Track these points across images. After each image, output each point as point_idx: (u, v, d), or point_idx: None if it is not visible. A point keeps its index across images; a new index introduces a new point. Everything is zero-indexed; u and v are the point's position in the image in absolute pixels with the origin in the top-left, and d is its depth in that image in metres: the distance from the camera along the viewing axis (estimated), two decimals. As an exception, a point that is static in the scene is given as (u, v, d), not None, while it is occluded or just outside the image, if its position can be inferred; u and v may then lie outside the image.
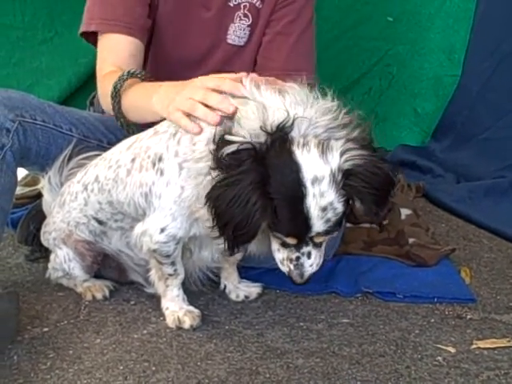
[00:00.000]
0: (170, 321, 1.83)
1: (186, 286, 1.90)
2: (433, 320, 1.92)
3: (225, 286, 2.03)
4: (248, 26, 2.20)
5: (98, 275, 2.04)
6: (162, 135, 1.72)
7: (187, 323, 1.81)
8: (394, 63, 3.52)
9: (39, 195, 2.21)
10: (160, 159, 1.69)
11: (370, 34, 3.49)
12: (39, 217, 2.15)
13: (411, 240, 2.40)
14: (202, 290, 1.98)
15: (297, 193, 1.45)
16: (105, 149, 2.10)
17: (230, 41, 2.22)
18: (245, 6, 2.19)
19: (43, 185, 2.11)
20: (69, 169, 2.06)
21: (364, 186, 1.48)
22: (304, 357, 1.71)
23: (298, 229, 1.51)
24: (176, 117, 1.65)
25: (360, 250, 2.34)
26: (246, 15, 2.19)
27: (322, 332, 1.84)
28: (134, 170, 1.76)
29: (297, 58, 2.25)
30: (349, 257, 2.28)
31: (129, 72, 1.92)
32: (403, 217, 2.65)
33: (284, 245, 1.57)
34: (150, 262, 1.82)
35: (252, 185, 1.44)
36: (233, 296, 2.01)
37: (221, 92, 1.62)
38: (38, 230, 2.10)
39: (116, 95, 1.92)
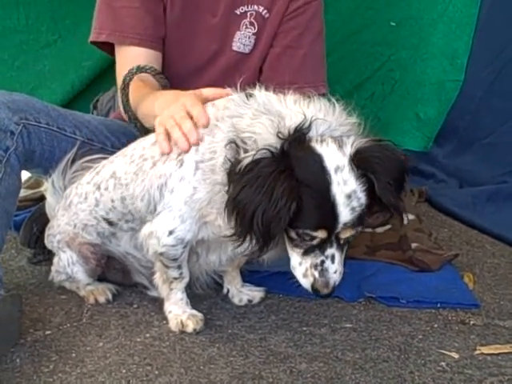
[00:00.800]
0: (173, 324, 1.83)
1: (189, 290, 1.90)
2: (436, 325, 1.92)
3: (228, 290, 2.03)
4: (253, 34, 2.21)
5: (101, 278, 2.04)
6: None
7: (190, 327, 1.81)
8: (396, 68, 3.51)
9: (42, 198, 2.21)
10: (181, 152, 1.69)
11: (372, 39, 3.48)
12: (42, 219, 2.15)
13: (414, 245, 2.40)
14: (205, 293, 1.98)
15: (322, 180, 1.45)
16: (108, 151, 2.11)
17: (235, 48, 2.23)
18: (251, 15, 2.20)
19: (46, 187, 2.11)
20: (72, 171, 2.06)
21: (380, 166, 1.49)
22: (307, 361, 1.71)
23: (326, 218, 1.48)
24: (158, 131, 1.73)
25: (363, 254, 2.35)
26: (251, 23, 2.20)
27: (325, 337, 1.84)
28: (160, 161, 1.74)
29: (306, 72, 2.27)
30: (352, 261, 2.23)
31: (138, 66, 1.97)
32: (406, 222, 2.62)
33: (306, 252, 1.54)
34: (155, 265, 1.82)
35: (275, 172, 1.43)
36: (236, 300, 2.01)
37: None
38: (41, 232, 2.11)
39: (124, 88, 1.96)
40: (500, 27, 3.32)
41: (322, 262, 1.54)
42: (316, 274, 1.54)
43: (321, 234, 1.51)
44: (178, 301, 1.83)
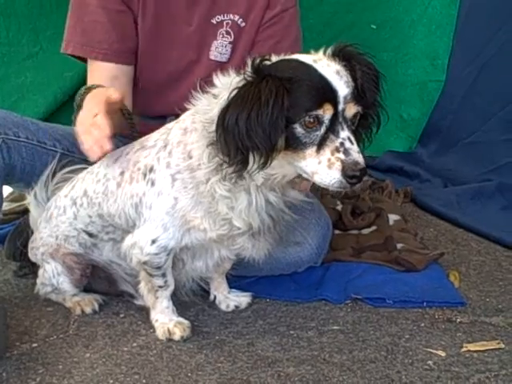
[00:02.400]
0: (159, 333, 1.82)
1: (175, 297, 1.90)
2: (423, 324, 1.93)
3: (214, 297, 2.03)
4: (230, 42, 2.21)
5: (87, 288, 2.03)
6: (150, 149, 1.74)
7: (177, 335, 1.81)
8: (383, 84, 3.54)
9: (27, 210, 2.19)
10: (151, 170, 1.70)
11: (353, 42, 3.49)
12: (26, 232, 2.13)
13: (400, 245, 2.41)
14: (192, 300, 1.98)
15: (306, 68, 1.45)
16: (89, 163, 2.11)
17: (212, 57, 2.22)
18: (227, 24, 2.20)
19: (29, 201, 2.10)
20: (54, 183, 2.05)
21: (358, 57, 1.53)
22: (295, 365, 1.71)
23: (326, 92, 1.43)
24: (79, 140, 1.78)
25: (349, 256, 2.35)
26: (228, 32, 2.20)
27: (313, 339, 1.84)
28: (124, 182, 1.76)
29: None
30: (338, 263, 2.28)
31: (86, 87, 1.98)
32: (391, 222, 2.66)
33: (321, 145, 1.43)
34: (139, 274, 1.81)
35: (255, 83, 1.41)
36: (223, 306, 2.01)
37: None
38: (26, 245, 2.09)
39: (76, 108, 1.95)
40: (479, 27, 3.36)
41: (342, 144, 1.42)
42: (341, 155, 1.41)
43: (327, 111, 1.43)
44: (164, 309, 1.83)
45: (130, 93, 2.22)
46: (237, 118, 1.40)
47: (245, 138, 1.40)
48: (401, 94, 3.53)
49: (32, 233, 2.07)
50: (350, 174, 1.40)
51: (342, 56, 1.52)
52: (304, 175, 1.51)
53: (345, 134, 1.44)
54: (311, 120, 1.43)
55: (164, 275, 1.77)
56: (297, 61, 1.51)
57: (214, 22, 2.19)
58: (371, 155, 3.47)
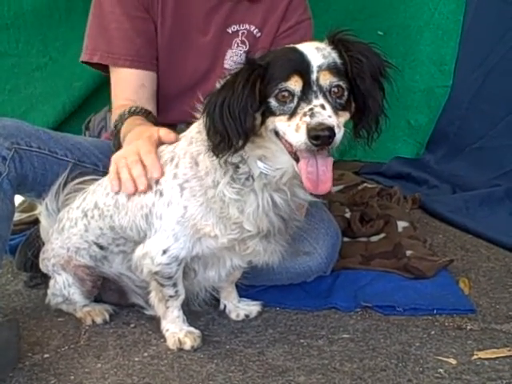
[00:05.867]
0: (170, 342, 1.83)
1: (185, 307, 1.91)
2: (433, 332, 1.93)
3: (225, 306, 2.04)
4: (244, 52, 2.22)
5: (97, 299, 2.05)
6: None
7: (188, 344, 1.82)
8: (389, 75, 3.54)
9: (37, 221, 2.20)
10: (157, 182, 1.72)
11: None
12: (37, 243, 2.14)
13: (409, 252, 2.41)
14: (202, 310, 1.99)
15: (289, 50, 1.53)
16: (100, 173, 2.12)
17: (226, 65, 2.24)
18: (243, 34, 2.22)
19: (40, 211, 2.11)
20: (65, 194, 2.06)
21: (349, 40, 1.55)
22: (305, 374, 1.71)
23: (296, 64, 1.48)
24: (111, 168, 1.81)
25: (358, 264, 2.35)
26: (243, 42, 2.22)
27: (323, 348, 1.84)
28: (134, 195, 1.77)
29: None
30: (347, 271, 2.28)
31: (130, 110, 1.99)
32: (400, 229, 2.66)
33: (293, 114, 1.47)
34: (150, 284, 1.83)
35: (234, 74, 1.51)
36: (233, 315, 2.01)
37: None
38: (37, 256, 2.11)
39: (116, 134, 1.99)
40: (485, 32, 3.37)
41: (311, 109, 1.45)
42: (307, 119, 1.44)
43: (296, 82, 1.47)
44: (174, 319, 1.84)
45: (155, 100, 2.24)
46: (215, 104, 1.50)
47: (218, 122, 1.49)
48: (408, 100, 3.54)
49: (43, 244, 2.09)
50: (313, 134, 1.42)
51: (334, 43, 1.56)
52: (280, 133, 1.52)
53: (318, 101, 1.46)
54: (284, 94, 1.48)
55: (175, 285, 1.78)
56: (286, 47, 1.57)
57: (229, 31, 2.21)
58: (379, 161, 3.50)
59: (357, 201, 2.96)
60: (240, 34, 2.22)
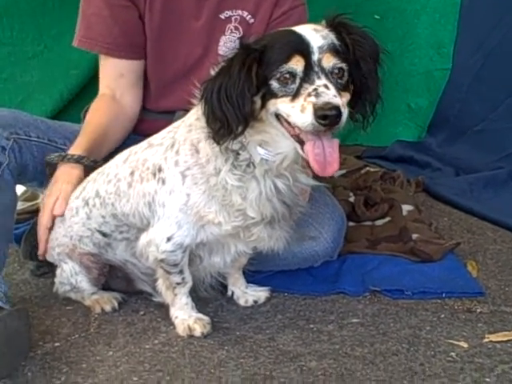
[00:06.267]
0: (180, 329, 1.82)
1: (194, 294, 1.89)
2: (443, 315, 1.92)
3: (232, 292, 2.02)
4: (238, 38, 2.17)
5: (105, 287, 2.03)
6: (157, 147, 1.74)
7: (198, 331, 1.81)
8: (384, 60, 3.51)
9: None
10: (160, 170, 1.70)
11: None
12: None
13: (415, 236, 2.40)
14: (211, 296, 1.97)
15: (285, 32, 1.53)
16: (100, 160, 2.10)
17: (221, 52, 2.19)
18: (236, 19, 2.18)
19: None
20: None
21: (350, 23, 1.55)
22: (317, 359, 1.70)
23: (296, 45, 1.47)
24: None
25: (364, 248, 2.34)
26: (236, 28, 2.18)
27: (333, 333, 1.84)
28: (134, 181, 1.76)
29: None
30: (354, 256, 2.27)
31: (64, 157, 2.00)
32: (405, 213, 2.64)
33: (296, 95, 1.46)
34: (157, 272, 1.81)
35: (230, 59, 1.50)
36: (241, 301, 2.00)
37: None
38: (42, 244, 2.08)
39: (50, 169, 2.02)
40: (483, 14, 3.33)
41: (315, 90, 1.44)
42: (312, 99, 1.42)
43: (298, 62, 1.46)
44: (183, 305, 1.83)
45: (139, 89, 2.21)
46: (212, 90, 1.49)
47: (217, 108, 1.47)
48: (407, 83, 3.51)
49: (48, 232, 2.06)
50: (321, 113, 1.40)
51: (334, 25, 1.55)
52: (283, 114, 1.51)
53: (321, 81, 1.45)
54: (286, 75, 1.47)
55: (181, 272, 1.77)
56: (282, 30, 1.56)
57: (222, 17, 2.17)
58: (380, 145, 3.48)
59: (360, 185, 2.95)
60: (233, 19, 2.18)
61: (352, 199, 2.74)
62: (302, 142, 1.52)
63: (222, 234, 1.71)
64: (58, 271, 1.99)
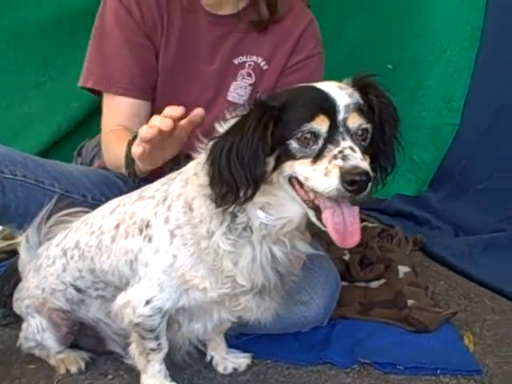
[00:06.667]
0: (150, 400, 1.68)
1: (168, 358, 1.74)
2: (437, 396, 1.79)
3: (212, 358, 1.89)
4: (250, 84, 2.12)
5: (73, 345, 1.89)
6: (148, 200, 1.62)
7: (169, 403, 1.67)
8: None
9: (16, 251, 2.07)
10: (147, 225, 1.58)
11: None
12: (14, 278, 2.00)
13: (410, 302, 2.29)
14: (186, 363, 1.83)
15: (305, 88, 1.41)
16: (88, 204, 2.01)
17: (230, 98, 2.13)
18: (249, 65, 2.12)
19: (20, 243, 1.97)
20: (48, 226, 1.92)
21: (377, 85, 1.45)
22: None
23: (321, 103, 1.35)
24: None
25: (357, 313, 2.22)
26: (249, 74, 2.12)
27: (317, 411, 1.70)
28: (118, 236, 1.63)
29: None
30: (345, 321, 2.15)
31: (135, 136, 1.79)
32: (401, 275, 2.53)
33: (318, 156, 1.33)
34: (131, 335, 1.68)
35: (244, 115, 1.38)
36: (220, 368, 1.87)
37: None
38: (13, 292, 1.96)
39: (130, 164, 1.80)
40: (497, 72, 3.29)
41: (341, 152, 1.31)
42: (339, 162, 1.30)
43: (322, 122, 1.34)
44: (155, 373, 1.69)
45: None
46: (221, 150, 1.36)
47: (225, 169, 1.35)
48: (414, 135, 3.44)
49: (21, 279, 1.94)
50: (349, 178, 1.28)
51: (360, 85, 1.44)
52: (300, 178, 1.38)
53: (346, 143, 1.34)
54: (307, 135, 1.35)
55: (157, 338, 1.64)
56: (303, 86, 1.45)
57: (236, 62, 2.12)
58: (379, 198, 3.36)
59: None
60: (247, 65, 2.12)
61: (347, 257, 2.63)
62: (316, 209, 1.39)
63: (207, 301, 1.58)
64: (24, 325, 1.85)
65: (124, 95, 2.05)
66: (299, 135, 1.35)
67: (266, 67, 2.12)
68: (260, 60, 2.12)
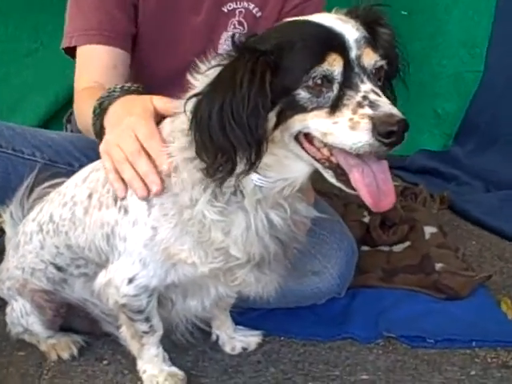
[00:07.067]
0: (148, 387, 1.52)
1: (167, 339, 1.57)
2: (473, 372, 1.62)
3: (217, 337, 1.71)
4: (242, 34, 1.90)
5: (67, 327, 1.72)
6: None
7: (169, 389, 1.50)
8: (409, 61, 3.25)
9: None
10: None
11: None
12: (2, 257, 1.84)
13: (438, 266, 2.12)
14: (188, 344, 1.64)
15: (297, 24, 1.20)
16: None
17: (221, 51, 1.91)
18: (240, 13, 1.92)
19: (5, 219, 1.81)
20: (32, 200, 1.76)
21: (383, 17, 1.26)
22: (315, 430, 1.39)
23: (329, 40, 1.13)
24: (105, 165, 1.40)
25: (379, 280, 2.05)
26: (240, 23, 1.94)
27: (337, 393, 1.52)
28: (92, 207, 1.44)
29: None
30: (366, 290, 1.98)
31: (122, 87, 1.56)
32: (427, 236, 2.36)
33: (335, 105, 1.12)
34: (119, 318, 1.50)
35: (229, 64, 1.15)
36: (227, 348, 1.70)
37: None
38: (1, 272, 1.80)
39: (100, 112, 1.54)
40: (521, 11, 3.11)
41: (365, 97, 1.11)
42: (367, 110, 1.09)
43: (335, 62, 1.12)
44: (152, 358, 1.52)
45: None
46: (210, 110, 1.13)
47: (218, 133, 1.12)
48: (434, 86, 3.30)
49: (7, 258, 1.78)
50: (385, 130, 1.07)
51: (365, 18, 1.23)
52: (315, 134, 1.15)
53: (366, 86, 1.13)
54: (317, 81, 1.13)
55: (148, 319, 1.45)
56: (285, 23, 1.22)
57: (225, 10, 1.92)
58: (401, 154, 3.18)
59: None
60: (237, 13, 1.92)
61: (367, 219, 2.44)
62: (335, 168, 1.18)
63: (198, 276, 1.38)
64: (8, 309, 1.69)
65: (104, 43, 1.82)
66: (310, 82, 1.12)
67: (259, 14, 1.92)
68: (252, 6, 1.92)
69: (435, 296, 1.95)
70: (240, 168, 1.14)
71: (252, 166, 1.14)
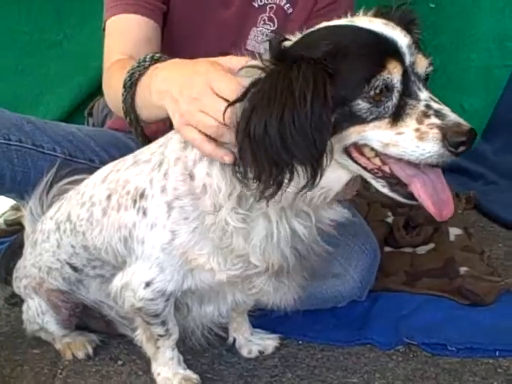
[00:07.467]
0: (161, 391, 1.50)
1: (180, 342, 1.54)
2: (495, 383, 1.54)
3: (234, 340, 1.69)
4: (272, 31, 1.87)
5: (83, 326, 1.71)
6: (143, 166, 1.37)
7: (184, 393, 1.47)
8: (437, 54, 3.16)
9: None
10: (142, 196, 1.34)
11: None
12: (21, 253, 1.83)
13: (463, 270, 2.06)
14: (202, 348, 1.61)
15: (343, 30, 1.14)
16: (96, 170, 1.80)
17: (249, 47, 1.88)
18: (271, 9, 1.88)
19: (25, 215, 1.80)
20: (51, 196, 1.75)
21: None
22: None
23: (384, 47, 1.09)
24: (191, 137, 1.24)
25: (401, 284, 2.00)
26: (270, 19, 1.89)
27: (355, 402, 1.48)
28: (110, 208, 1.41)
29: None
30: (388, 294, 1.93)
31: (152, 57, 1.46)
32: (452, 238, 2.31)
33: (397, 114, 1.08)
34: (135, 320, 1.48)
35: (282, 74, 1.07)
36: (244, 352, 1.67)
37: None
38: (17, 269, 1.79)
39: (131, 85, 1.46)
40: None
41: (429, 106, 1.08)
42: (435, 120, 1.06)
43: (395, 69, 1.08)
44: (167, 361, 1.50)
45: None
46: (265, 124, 1.06)
47: (280, 150, 1.06)
48: (462, 81, 3.19)
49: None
50: (457, 140, 1.04)
51: (405, 21, 1.19)
52: (374, 145, 1.11)
53: (424, 94, 1.10)
54: (378, 90, 1.08)
55: (164, 323, 1.43)
56: (328, 28, 1.16)
57: (255, 5, 1.88)
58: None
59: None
60: (268, 8, 1.88)
61: (390, 220, 2.39)
62: (388, 178, 1.14)
63: (215, 282, 1.36)
64: (25, 307, 1.68)
65: (144, 14, 1.73)
66: (371, 92, 1.08)
67: (290, 10, 1.88)
68: (284, 2, 1.87)
69: (459, 302, 1.88)
70: (301, 182, 1.09)
71: (312, 182, 1.08)
